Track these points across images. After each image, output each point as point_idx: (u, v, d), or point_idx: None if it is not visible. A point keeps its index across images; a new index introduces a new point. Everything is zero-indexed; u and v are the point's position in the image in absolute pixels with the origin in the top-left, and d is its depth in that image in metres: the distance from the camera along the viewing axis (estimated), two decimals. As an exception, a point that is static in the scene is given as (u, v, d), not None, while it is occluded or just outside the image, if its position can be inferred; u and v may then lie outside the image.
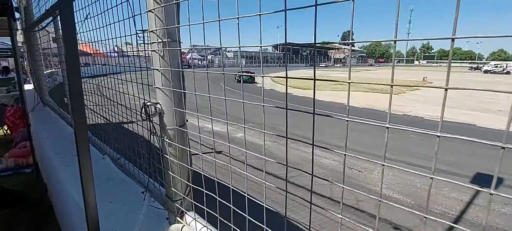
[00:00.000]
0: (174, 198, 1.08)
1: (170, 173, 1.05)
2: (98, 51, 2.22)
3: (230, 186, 0.97)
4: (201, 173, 1.00)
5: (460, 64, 79.29)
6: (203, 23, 0.81)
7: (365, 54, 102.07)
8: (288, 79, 0.69)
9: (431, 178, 0.53)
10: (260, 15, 0.61)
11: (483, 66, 49.99)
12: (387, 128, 0.56)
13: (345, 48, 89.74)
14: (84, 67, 2.38)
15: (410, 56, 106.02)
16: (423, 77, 28.75)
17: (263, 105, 0.76)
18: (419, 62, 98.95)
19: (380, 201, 0.62)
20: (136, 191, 1.48)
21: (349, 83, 0.68)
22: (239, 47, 0.79)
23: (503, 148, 0.43)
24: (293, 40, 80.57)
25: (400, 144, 6.65)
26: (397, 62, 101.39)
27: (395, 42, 0.51)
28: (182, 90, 0.97)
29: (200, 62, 57.90)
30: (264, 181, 0.83)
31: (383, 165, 0.58)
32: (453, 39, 0.46)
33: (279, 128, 8.03)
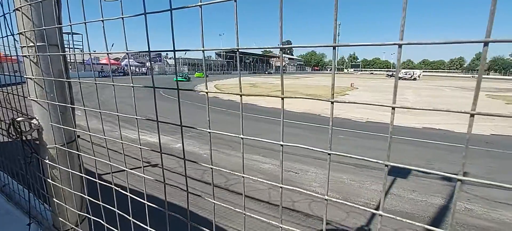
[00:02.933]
0: (62, 229, 0.92)
1: (55, 200, 0.89)
2: (9, 57, 1.82)
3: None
4: (90, 200, 0.87)
5: (380, 72, 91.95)
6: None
7: (302, 63, 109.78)
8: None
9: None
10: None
11: (397, 73, 58.91)
12: (329, 154, 0.57)
13: (285, 56, 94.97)
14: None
15: (340, 65, 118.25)
16: (351, 84, 32.30)
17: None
18: (348, 70, 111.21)
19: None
20: (24, 224, 1.23)
21: (282, 98, 0.67)
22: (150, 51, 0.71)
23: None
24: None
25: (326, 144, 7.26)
26: (330, 70, 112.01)
27: (337, 51, 0.52)
28: (57, 103, 0.83)
29: (138, 70, 53.82)
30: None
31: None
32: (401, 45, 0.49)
33: (220, 135, 7.94)
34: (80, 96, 1.33)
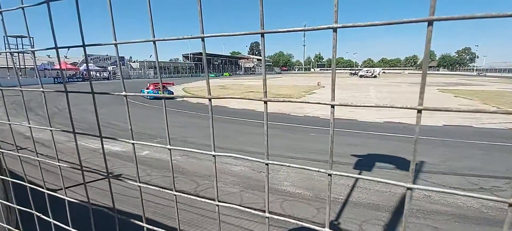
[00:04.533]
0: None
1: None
2: None
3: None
4: None
5: (344, 71, 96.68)
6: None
7: (271, 63, 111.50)
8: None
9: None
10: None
11: (359, 72, 62.44)
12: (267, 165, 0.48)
13: (253, 57, 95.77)
14: None
15: (307, 65, 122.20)
16: (318, 82, 33.43)
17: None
18: (314, 69, 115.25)
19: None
20: None
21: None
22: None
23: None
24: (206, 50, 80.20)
25: (301, 143, 7.40)
26: (297, 70, 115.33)
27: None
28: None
29: (99, 75, 50.45)
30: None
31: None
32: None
33: (190, 139, 7.69)
34: (32, 105, 1.15)
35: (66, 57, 50.72)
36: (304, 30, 0.39)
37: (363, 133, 8.66)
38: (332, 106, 0.44)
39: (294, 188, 4.58)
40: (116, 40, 0.50)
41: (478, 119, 10.56)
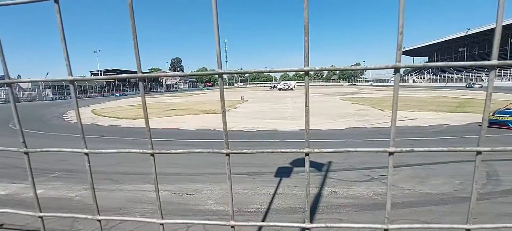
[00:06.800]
0: None
1: None
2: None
3: None
4: None
5: (265, 84, 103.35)
6: None
7: (194, 79, 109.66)
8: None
9: None
10: None
11: (278, 85, 67.91)
12: None
13: (175, 74, 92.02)
14: None
15: (230, 80, 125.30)
16: (241, 96, 34.57)
17: None
18: (237, 84, 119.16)
19: None
20: None
21: None
22: None
23: None
24: (117, 67, 72.78)
25: (219, 159, 7.42)
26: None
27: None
28: None
29: (-34, 99, 39.13)
30: None
31: None
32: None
33: (98, 168, 6.72)
34: None
35: None
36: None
37: (283, 142, 9.35)
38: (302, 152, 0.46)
39: (218, 206, 4.53)
40: None
41: (369, 121, 12.86)
